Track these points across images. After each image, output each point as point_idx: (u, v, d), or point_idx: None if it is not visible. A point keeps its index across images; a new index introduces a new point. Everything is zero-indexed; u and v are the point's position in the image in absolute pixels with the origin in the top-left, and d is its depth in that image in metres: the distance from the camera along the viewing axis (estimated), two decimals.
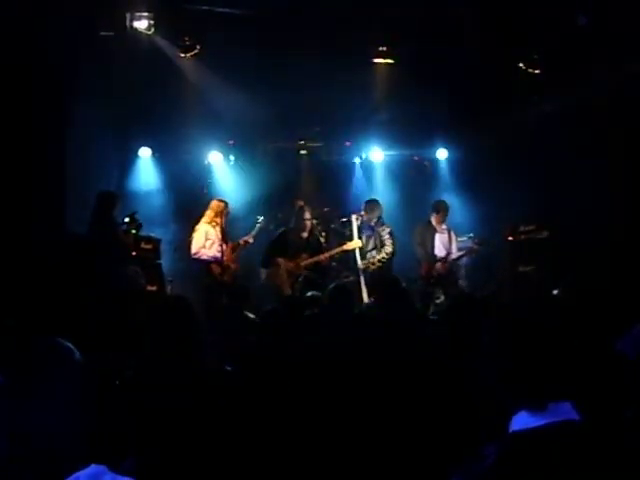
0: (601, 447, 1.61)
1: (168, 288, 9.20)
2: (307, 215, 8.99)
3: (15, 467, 1.71)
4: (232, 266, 8.88)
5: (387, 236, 8.82)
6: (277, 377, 3.50)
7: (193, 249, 8.78)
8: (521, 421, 1.68)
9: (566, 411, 1.67)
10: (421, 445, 2.73)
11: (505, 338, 1.77)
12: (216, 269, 8.75)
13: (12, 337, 3.83)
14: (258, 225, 9.31)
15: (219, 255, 8.75)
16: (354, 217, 9.12)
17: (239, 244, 9.12)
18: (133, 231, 8.24)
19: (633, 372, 3.00)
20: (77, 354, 1.88)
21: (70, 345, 1.89)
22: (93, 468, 1.73)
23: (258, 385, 3.40)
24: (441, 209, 9.29)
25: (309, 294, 6.07)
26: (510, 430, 1.70)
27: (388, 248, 8.79)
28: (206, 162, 11.06)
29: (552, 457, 1.59)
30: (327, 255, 8.86)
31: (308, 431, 3.07)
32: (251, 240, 9.16)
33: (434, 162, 11.47)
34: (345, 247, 8.88)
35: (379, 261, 8.78)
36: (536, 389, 1.69)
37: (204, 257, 8.76)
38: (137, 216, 8.34)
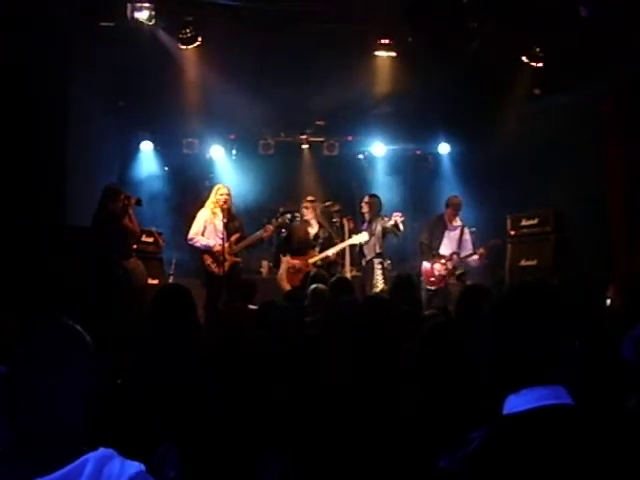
0: (591, 432, 1.58)
1: (169, 282, 9.17)
2: (316, 211, 8.88)
3: (22, 451, 1.70)
4: (228, 259, 8.28)
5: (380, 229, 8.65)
6: (272, 370, 3.47)
7: (190, 234, 8.36)
8: (511, 405, 1.66)
9: (558, 395, 1.64)
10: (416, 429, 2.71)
11: (491, 321, 1.74)
12: (208, 259, 8.28)
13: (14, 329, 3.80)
14: (280, 219, 8.97)
15: (215, 245, 8.25)
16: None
17: (260, 238, 8.66)
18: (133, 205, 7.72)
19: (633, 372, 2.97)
20: (87, 337, 1.86)
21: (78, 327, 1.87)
22: (102, 451, 1.73)
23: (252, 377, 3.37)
24: (451, 204, 8.98)
25: (312, 287, 6.02)
26: (501, 414, 1.68)
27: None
28: (208, 156, 11.06)
29: (539, 441, 1.56)
30: (334, 250, 8.71)
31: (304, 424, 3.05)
32: (272, 227, 8.69)
33: (436, 156, 11.45)
34: (351, 241, 8.75)
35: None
36: (523, 372, 1.66)
37: (197, 244, 8.32)
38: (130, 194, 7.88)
